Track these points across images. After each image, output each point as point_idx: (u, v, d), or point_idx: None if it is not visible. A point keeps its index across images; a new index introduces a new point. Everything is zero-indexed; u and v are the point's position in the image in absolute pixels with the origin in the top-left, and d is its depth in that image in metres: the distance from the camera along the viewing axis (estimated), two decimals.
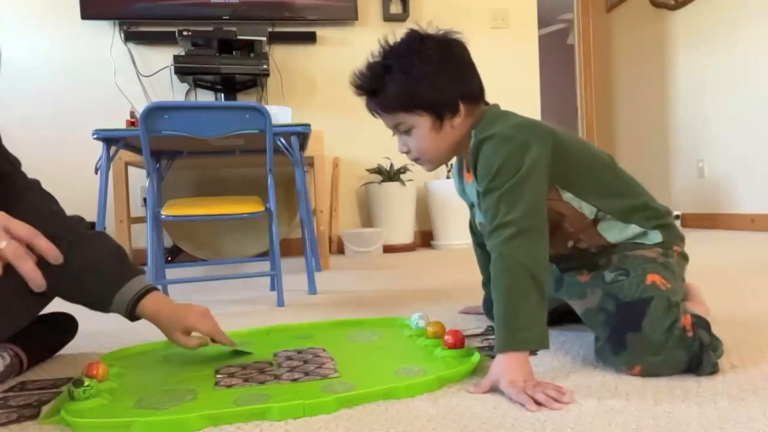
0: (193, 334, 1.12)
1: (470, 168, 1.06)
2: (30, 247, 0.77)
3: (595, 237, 1.08)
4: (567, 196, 1.06)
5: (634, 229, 1.08)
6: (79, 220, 1.13)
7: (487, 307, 1.39)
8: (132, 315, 1.09)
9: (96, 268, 1.07)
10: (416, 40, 1.06)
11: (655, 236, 1.07)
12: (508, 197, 0.95)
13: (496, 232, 0.95)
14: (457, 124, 1.06)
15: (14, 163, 1.11)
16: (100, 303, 1.09)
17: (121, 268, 1.10)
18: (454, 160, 1.26)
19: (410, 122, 1.06)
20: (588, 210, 1.07)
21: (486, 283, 1.45)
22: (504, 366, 0.87)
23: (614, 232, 1.08)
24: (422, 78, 1.03)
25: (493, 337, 1.22)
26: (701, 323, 0.90)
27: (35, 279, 0.76)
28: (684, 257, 1.12)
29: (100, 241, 1.13)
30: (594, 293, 1.01)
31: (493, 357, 1.05)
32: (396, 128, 1.09)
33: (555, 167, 1.01)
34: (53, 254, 0.79)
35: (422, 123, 1.05)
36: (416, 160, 1.12)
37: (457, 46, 1.09)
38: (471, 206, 1.25)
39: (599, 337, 0.99)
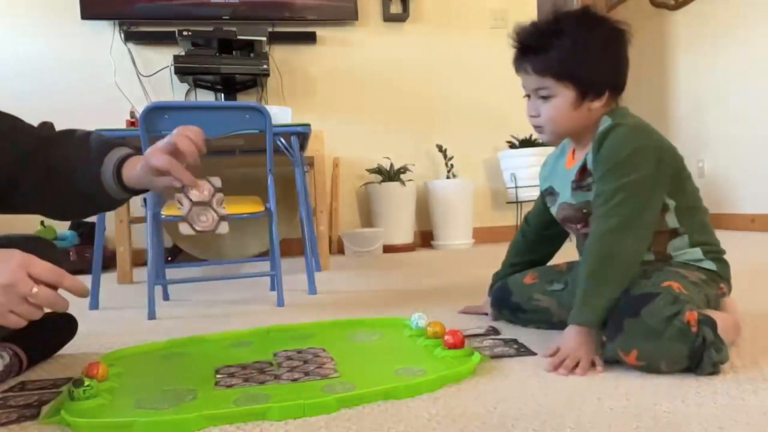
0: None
1: (594, 148, 1.07)
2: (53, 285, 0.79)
3: (661, 245, 1.11)
4: (669, 202, 1.09)
5: (695, 253, 1.10)
6: (42, 126, 1.08)
7: (497, 299, 1.38)
8: (123, 187, 1.00)
9: (77, 166, 1.01)
10: (593, 18, 1.10)
11: (710, 265, 1.10)
12: (629, 189, 1.01)
13: (604, 217, 1.02)
14: (594, 109, 1.10)
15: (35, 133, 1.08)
16: (100, 194, 1.02)
17: (98, 150, 1.02)
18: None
19: (554, 90, 1.08)
20: (672, 221, 1.10)
21: (499, 274, 1.43)
22: (566, 335, 0.99)
23: (679, 248, 1.11)
24: (587, 54, 1.06)
25: (493, 337, 1.22)
26: (708, 322, 0.90)
27: (65, 308, 0.80)
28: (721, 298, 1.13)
29: (68, 138, 1.07)
30: None
31: (492, 357, 1.06)
32: (535, 92, 1.11)
33: (671, 181, 1.08)
34: (80, 290, 0.81)
35: (565, 95, 1.08)
36: (538, 128, 1.14)
37: (624, 38, 1.12)
38: (548, 193, 1.27)
39: (604, 335, 0.99)
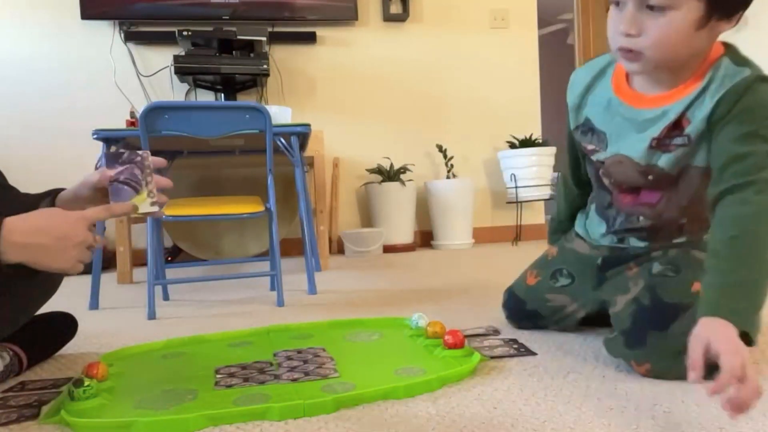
0: None
1: (725, 100, 0.85)
2: None
3: (699, 221, 0.98)
4: None
5: None
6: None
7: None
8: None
9: None
10: None
11: None
12: None
13: (758, 186, 0.81)
14: (715, 35, 0.86)
15: None
16: None
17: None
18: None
19: (677, 1, 0.82)
20: None
21: (559, 220, 1.30)
22: (722, 337, 0.70)
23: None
24: None
25: (493, 337, 1.22)
26: None
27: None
28: None
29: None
30: (636, 285, 0.96)
31: (492, 357, 1.05)
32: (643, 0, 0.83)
33: None
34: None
35: (689, 9, 0.82)
36: (631, 52, 0.86)
37: None
38: (587, 130, 1.02)
39: (616, 330, 0.95)
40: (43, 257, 0.84)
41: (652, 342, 0.87)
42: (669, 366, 0.87)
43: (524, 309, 1.26)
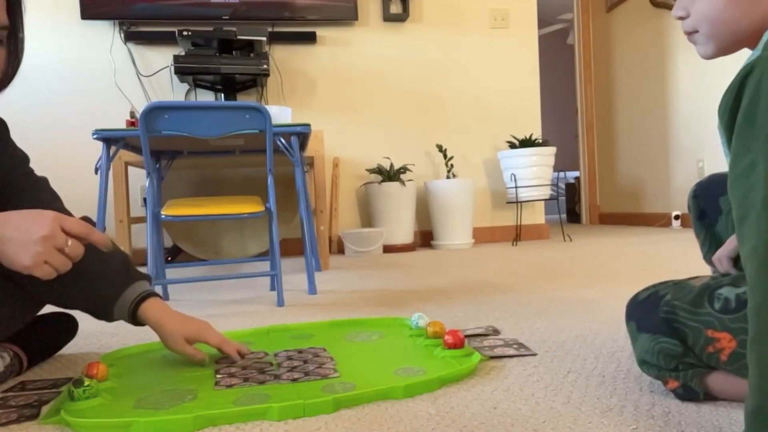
0: (196, 346, 1.08)
1: (730, 93, 0.59)
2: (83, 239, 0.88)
3: None
4: None
5: None
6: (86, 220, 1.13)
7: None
8: (134, 319, 1.05)
9: (101, 271, 1.04)
10: None
11: None
12: None
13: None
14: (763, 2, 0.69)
15: (19, 159, 1.11)
16: (102, 307, 1.05)
17: (125, 271, 1.08)
18: None
19: None
20: None
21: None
22: None
23: None
24: None
25: (493, 337, 1.22)
26: None
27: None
28: None
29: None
30: None
31: (492, 357, 1.05)
32: None
33: None
34: (104, 243, 0.91)
35: None
36: (690, 35, 0.76)
37: None
38: None
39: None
40: (7, 250, 0.82)
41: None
42: None
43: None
